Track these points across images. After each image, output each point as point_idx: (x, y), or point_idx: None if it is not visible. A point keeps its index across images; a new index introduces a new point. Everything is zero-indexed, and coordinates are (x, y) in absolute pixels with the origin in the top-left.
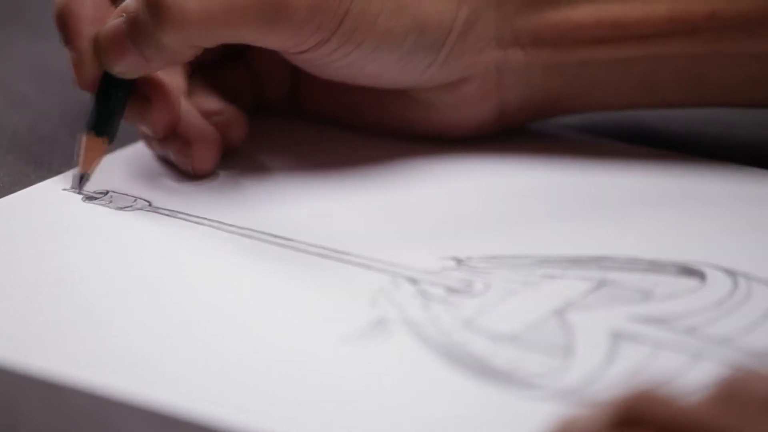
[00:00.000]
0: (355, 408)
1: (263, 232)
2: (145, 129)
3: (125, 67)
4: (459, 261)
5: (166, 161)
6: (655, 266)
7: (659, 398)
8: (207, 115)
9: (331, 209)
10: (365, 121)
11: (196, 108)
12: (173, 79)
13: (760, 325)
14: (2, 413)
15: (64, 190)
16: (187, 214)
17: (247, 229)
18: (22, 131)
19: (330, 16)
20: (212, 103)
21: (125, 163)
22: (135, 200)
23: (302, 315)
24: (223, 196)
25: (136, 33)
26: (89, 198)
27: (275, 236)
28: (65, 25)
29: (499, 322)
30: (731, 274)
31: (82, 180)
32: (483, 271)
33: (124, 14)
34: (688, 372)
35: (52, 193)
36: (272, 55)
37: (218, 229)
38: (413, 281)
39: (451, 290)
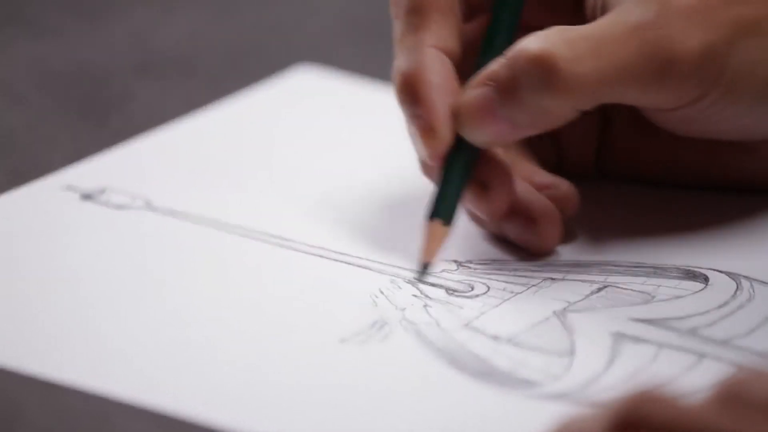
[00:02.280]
0: (355, 408)
1: (263, 232)
2: (479, 212)
3: (488, 135)
4: (459, 264)
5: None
6: (657, 270)
7: (660, 400)
8: (539, 188)
9: (332, 210)
10: (691, 178)
11: (528, 181)
12: (506, 156)
13: (763, 326)
14: (0, 413)
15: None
16: (185, 213)
17: (247, 228)
18: (21, 130)
19: (712, 69)
20: (542, 176)
21: (123, 160)
22: (133, 199)
23: (302, 315)
24: (221, 195)
25: (511, 98)
26: (87, 196)
27: (275, 236)
28: (416, 91)
29: (500, 322)
30: (734, 276)
31: (425, 269)
32: (483, 274)
33: (490, 82)
34: (690, 373)
35: (50, 191)
36: (579, 120)
37: (217, 228)
38: (413, 282)
39: (451, 291)
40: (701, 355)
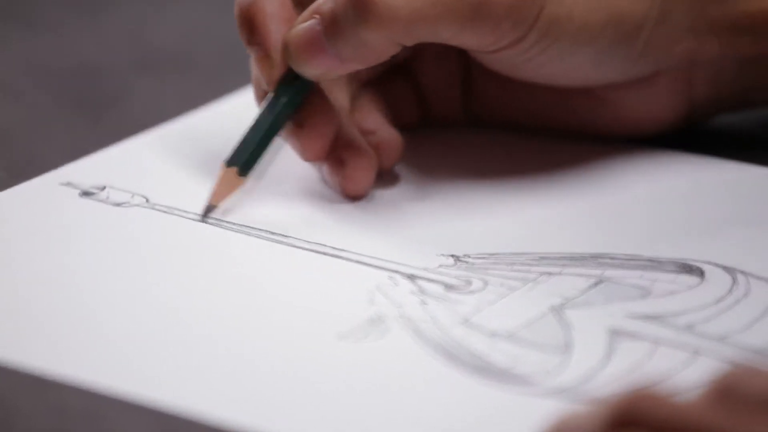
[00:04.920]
0: (352, 405)
1: (261, 229)
2: (294, 149)
3: (316, 68)
4: (457, 258)
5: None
6: (653, 263)
7: (656, 397)
8: (364, 133)
9: (330, 206)
10: (548, 124)
11: (356, 126)
12: (338, 96)
13: (759, 321)
14: None
15: (61, 184)
16: (184, 211)
17: (244, 225)
18: (18, 126)
19: (527, 11)
20: (371, 121)
21: (123, 158)
22: (132, 196)
23: (300, 312)
24: None
25: (334, 31)
26: (86, 193)
27: (273, 233)
28: (252, 21)
29: (497, 318)
30: (730, 271)
31: (207, 210)
32: (481, 268)
33: (316, 16)
34: (686, 369)
35: (48, 188)
36: (440, 68)
37: (215, 225)
38: (411, 278)
39: (449, 287)
40: (698, 352)
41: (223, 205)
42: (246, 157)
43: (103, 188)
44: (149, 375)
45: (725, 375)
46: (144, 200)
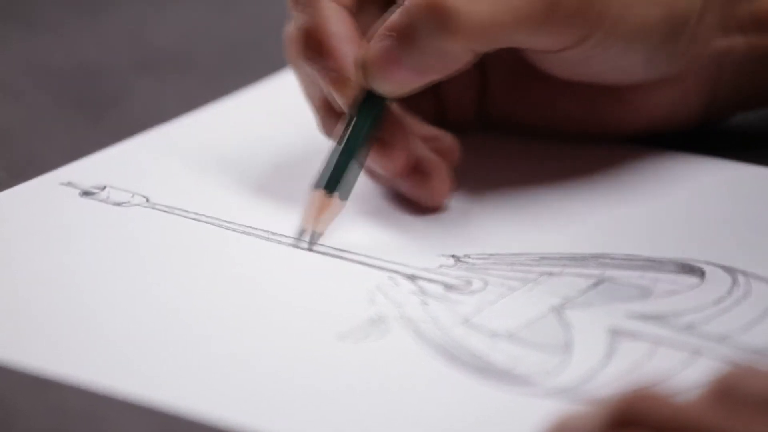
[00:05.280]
0: (352, 405)
1: (261, 229)
2: (381, 169)
3: (396, 83)
4: (457, 258)
5: (395, 193)
6: (654, 263)
7: (656, 397)
8: (427, 141)
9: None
10: (565, 126)
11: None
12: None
13: (759, 322)
14: None
15: (62, 184)
16: (184, 210)
17: (245, 225)
18: (18, 126)
19: (596, 7)
20: (427, 128)
21: (123, 158)
22: (132, 196)
23: (300, 312)
24: (221, 192)
25: (412, 45)
26: (86, 193)
27: (273, 233)
28: (321, 43)
29: (498, 319)
30: (730, 271)
31: (314, 238)
32: (481, 269)
33: (393, 33)
34: (686, 369)
35: (48, 188)
36: (458, 75)
37: (216, 225)
38: (411, 278)
39: (449, 287)
40: (698, 352)
41: (221, 210)
42: (347, 182)
43: (104, 188)
44: (149, 375)
45: (725, 375)
46: (144, 200)
